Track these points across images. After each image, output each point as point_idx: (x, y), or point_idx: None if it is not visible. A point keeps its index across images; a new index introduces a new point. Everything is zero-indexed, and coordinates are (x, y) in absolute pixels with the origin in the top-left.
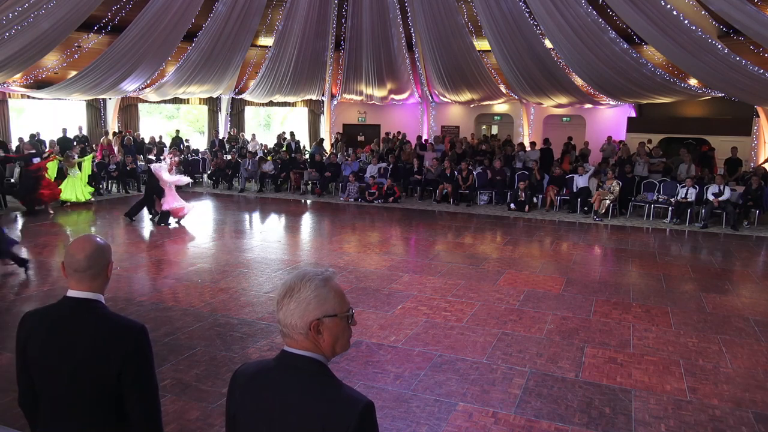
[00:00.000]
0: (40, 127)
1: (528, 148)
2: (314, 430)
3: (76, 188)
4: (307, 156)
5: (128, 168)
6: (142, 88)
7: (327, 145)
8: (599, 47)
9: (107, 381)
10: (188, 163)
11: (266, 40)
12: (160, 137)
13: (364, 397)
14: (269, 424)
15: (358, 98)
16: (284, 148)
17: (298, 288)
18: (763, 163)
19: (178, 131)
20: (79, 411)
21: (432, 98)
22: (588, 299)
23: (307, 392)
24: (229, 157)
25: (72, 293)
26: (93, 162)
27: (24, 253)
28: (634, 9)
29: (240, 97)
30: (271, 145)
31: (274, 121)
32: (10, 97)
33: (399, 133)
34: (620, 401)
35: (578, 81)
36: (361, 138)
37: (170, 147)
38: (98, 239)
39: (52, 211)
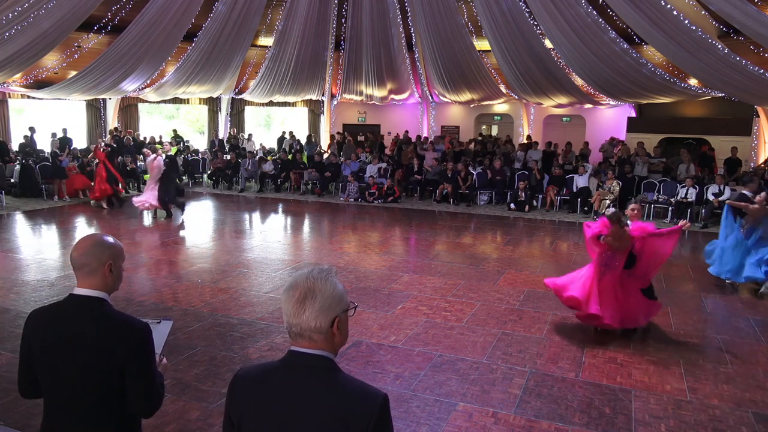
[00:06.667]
0: (40, 127)
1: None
2: (337, 426)
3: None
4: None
5: (128, 168)
6: (142, 88)
7: (324, 144)
8: (599, 47)
9: (110, 379)
10: (188, 163)
11: (266, 40)
12: (161, 137)
13: (379, 390)
14: (286, 427)
15: (358, 98)
16: (281, 150)
17: (319, 289)
18: (764, 163)
19: (175, 131)
20: (83, 409)
21: (432, 98)
22: None
23: (327, 390)
24: (228, 157)
25: (77, 291)
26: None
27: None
28: (634, 9)
29: (240, 97)
30: (269, 146)
31: (274, 121)
32: (10, 97)
33: (405, 134)
34: (620, 401)
35: (578, 81)
36: (361, 138)
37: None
38: (102, 238)
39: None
